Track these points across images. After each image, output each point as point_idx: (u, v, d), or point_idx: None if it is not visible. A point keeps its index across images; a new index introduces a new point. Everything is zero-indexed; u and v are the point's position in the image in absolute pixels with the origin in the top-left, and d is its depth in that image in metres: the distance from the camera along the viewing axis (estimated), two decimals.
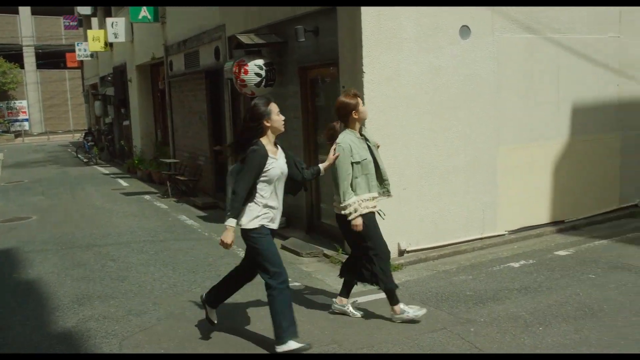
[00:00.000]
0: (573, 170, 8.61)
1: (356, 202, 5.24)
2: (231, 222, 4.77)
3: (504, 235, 8.04)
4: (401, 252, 7.34)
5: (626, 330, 5.02)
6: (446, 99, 7.42)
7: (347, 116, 5.28)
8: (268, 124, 4.80)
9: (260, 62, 8.73)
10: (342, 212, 5.27)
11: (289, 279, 6.92)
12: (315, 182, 8.67)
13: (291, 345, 4.77)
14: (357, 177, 5.27)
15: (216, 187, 12.43)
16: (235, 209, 4.75)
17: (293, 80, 8.77)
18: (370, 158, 5.36)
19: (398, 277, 6.75)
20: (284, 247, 8.26)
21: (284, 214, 9.38)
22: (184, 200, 12.59)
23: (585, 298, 5.76)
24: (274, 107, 4.82)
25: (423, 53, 7.22)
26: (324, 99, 8.52)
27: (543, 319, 5.31)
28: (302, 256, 7.83)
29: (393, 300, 5.41)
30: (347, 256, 7.47)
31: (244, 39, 8.79)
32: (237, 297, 5.81)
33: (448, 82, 7.41)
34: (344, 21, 7.22)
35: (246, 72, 8.59)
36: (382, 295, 5.58)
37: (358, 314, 5.63)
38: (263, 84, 8.75)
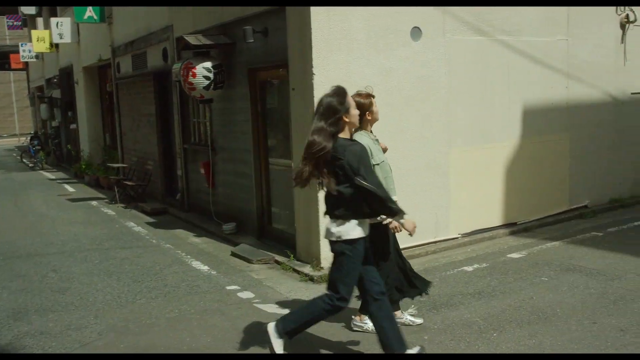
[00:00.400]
0: (524, 171, 8.62)
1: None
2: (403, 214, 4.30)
3: (457, 238, 7.98)
4: None
5: (579, 334, 4.97)
6: (398, 101, 7.31)
7: (361, 117, 4.87)
8: (347, 120, 4.69)
9: (209, 64, 8.48)
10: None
11: (238, 287, 6.77)
12: (266, 185, 8.47)
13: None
14: None
15: (165, 192, 12.10)
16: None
17: (242, 82, 8.55)
18: (386, 160, 5.14)
19: None
20: (233, 254, 8.04)
21: (233, 219, 9.24)
22: (133, 206, 12.22)
23: (538, 302, 5.71)
24: (351, 100, 4.40)
25: (374, 54, 7.10)
26: (273, 102, 8.34)
27: (497, 324, 5.22)
28: (253, 263, 7.61)
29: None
30: (300, 262, 7.34)
31: (192, 40, 8.54)
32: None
33: (400, 84, 7.31)
34: (293, 21, 7.05)
35: (194, 75, 8.34)
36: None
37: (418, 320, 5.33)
38: (212, 86, 8.50)
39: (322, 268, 6.96)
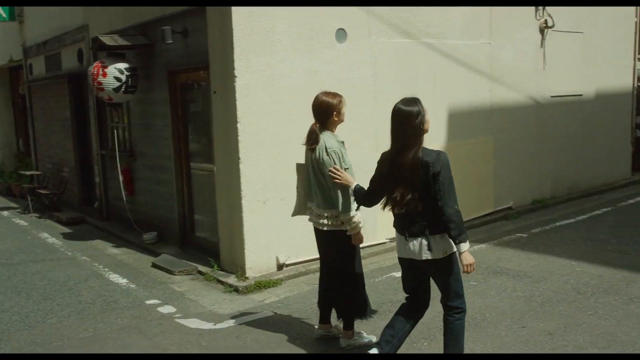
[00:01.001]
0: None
1: (357, 214, 4.60)
2: (467, 244, 3.96)
3: (385, 243, 7.88)
4: (280, 266, 6.96)
5: (509, 339, 4.93)
6: None
7: (328, 118, 4.68)
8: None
9: (122, 65, 8.06)
10: (344, 226, 4.60)
11: (158, 301, 6.41)
12: (188, 192, 8.13)
13: None
14: None
15: (83, 201, 11.51)
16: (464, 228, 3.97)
17: (162, 85, 8.18)
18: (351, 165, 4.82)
19: (277, 294, 6.42)
20: (154, 265, 7.66)
21: (154, 228, 8.84)
22: (47, 215, 11.54)
23: (468, 307, 5.56)
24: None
25: (298, 56, 6.90)
26: (194, 106, 8.01)
27: (427, 332, 5.11)
28: (175, 274, 7.26)
29: (351, 325, 4.98)
30: (224, 272, 7.04)
31: (107, 40, 8.09)
32: None
33: (324, 87, 7.02)
34: (214, 22, 6.76)
35: (105, 74, 7.89)
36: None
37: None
38: (123, 89, 8.07)
39: (247, 278, 6.70)
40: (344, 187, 4.51)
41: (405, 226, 4.02)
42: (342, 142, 4.73)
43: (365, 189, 4.35)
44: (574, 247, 7.54)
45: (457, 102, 8.61)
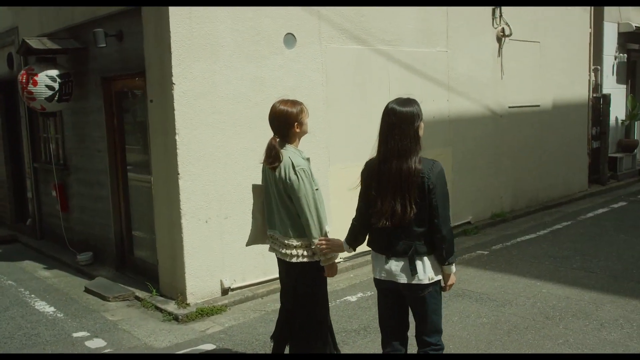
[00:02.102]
0: None
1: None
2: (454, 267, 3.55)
3: (339, 262, 7.35)
4: (225, 291, 6.37)
5: None
6: None
7: (288, 129, 4.02)
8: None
9: (54, 72, 7.36)
10: (317, 257, 3.95)
11: (87, 334, 5.75)
12: (125, 208, 7.46)
13: None
14: None
15: (16, 218, 10.66)
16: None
17: (96, 93, 7.51)
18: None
19: (221, 322, 5.83)
20: (87, 290, 6.97)
21: (90, 248, 8.13)
22: None
23: None
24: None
25: (243, 62, 6.35)
26: (132, 116, 7.37)
27: None
28: (109, 300, 6.59)
29: None
30: (163, 298, 6.42)
31: (34, 43, 7.39)
32: None
33: (272, 95, 6.55)
34: (150, 24, 6.16)
35: (35, 83, 7.18)
36: None
37: None
38: (56, 98, 7.37)
39: (188, 304, 6.10)
40: (317, 210, 3.93)
41: (386, 244, 3.45)
42: (308, 159, 4.09)
43: (350, 226, 3.74)
44: (537, 265, 7.17)
45: None
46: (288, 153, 4.00)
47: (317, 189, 4.01)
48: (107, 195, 7.56)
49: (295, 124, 4.03)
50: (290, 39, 6.72)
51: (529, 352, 4.78)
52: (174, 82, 5.87)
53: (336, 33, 7.17)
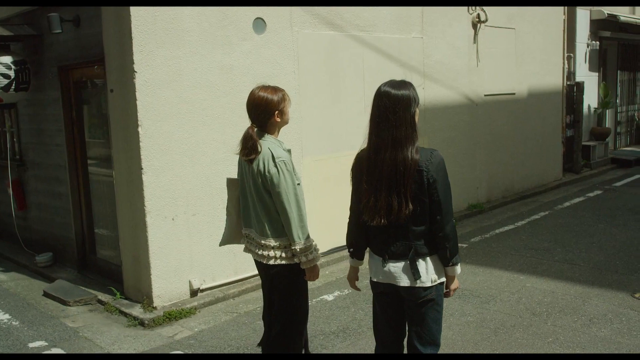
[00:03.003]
0: None
1: (314, 242, 3.65)
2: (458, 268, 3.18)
3: None
4: (194, 292, 6.00)
5: None
6: (241, 103, 6.15)
7: (268, 119, 3.65)
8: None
9: (8, 59, 6.87)
10: (298, 259, 3.58)
11: (44, 344, 5.33)
12: (86, 206, 7.03)
13: None
14: None
15: None
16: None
17: (53, 83, 7.04)
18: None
19: (190, 326, 5.46)
20: (46, 294, 6.53)
21: (50, 248, 7.67)
22: None
23: None
24: None
25: (210, 49, 5.96)
26: (91, 107, 6.92)
27: None
28: (70, 305, 6.16)
29: None
30: (128, 301, 6.03)
31: None
32: None
33: (242, 84, 6.22)
34: (109, 8, 5.72)
35: None
36: None
37: None
38: (13, 87, 6.89)
39: (154, 308, 5.71)
40: (299, 208, 3.57)
41: (383, 245, 3.10)
42: (289, 151, 3.73)
43: (347, 231, 3.34)
44: (519, 257, 6.94)
45: None
46: (267, 144, 3.63)
47: (298, 184, 3.65)
48: (66, 192, 7.11)
49: (276, 112, 3.67)
50: (259, 24, 6.35)
51: (519, 352, 4.52)
52: (135, 70, 5.45)
53: (308, 18, 6.82)
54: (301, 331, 3.85)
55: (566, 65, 11.92)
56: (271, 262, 3.65)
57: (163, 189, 5.70)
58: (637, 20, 14.46)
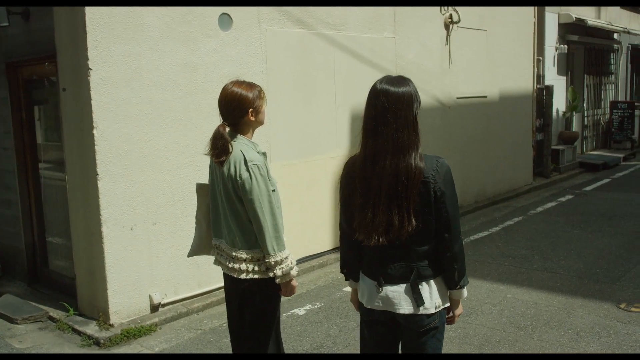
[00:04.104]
0: None
1: (291, 255, 3.29)
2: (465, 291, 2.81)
3: None
4: (154, 307, 5.56)
5: None
6: (205, 104, 5.81)
7: (241, 117, 3.30)
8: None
9: None
10: (272, 273, 3.21)
11: None
12: (38, 214, 6.52)
13: None
14: None
15: None
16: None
17: (1, 82, 6.52)
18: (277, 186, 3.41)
19: (150, 345, 5.04)
20: None
21: None
22: None
23: None
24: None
25: (173, 45, 5.55)
26: (43, 107, 6.42)
27: None
28: (18, 323, 5.66)
29: None
30: (82, 318, 5.56)
31: None
32: None
33: (207, 84, 5.82)
34: None
35: None
36: None
37: None
38: None
39: (111, 325, 5.26)
40: (273, 216, 3.20)
41: (379, 267, 2.67)
42: (264, 153, 3.39)
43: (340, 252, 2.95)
44: (497, 266, 6.67)
45: (360, 103, 7.46)
46: (239, 145, 3.26)
47: (274, 190, 3.29)
48: (15, 200, 6.59)
49: (250, 110, 3.31)
50: (225, 20, 5.95)
51: None
52: (90, 67, 5.01)
53: (277, 15, 6.45)
54: (278, 348, 3.48)
55: (536, 69, 11.79)
56: (242, 276, 3.27)
57: (120, 196, 5.25)
58: (604, 24, 14.47)
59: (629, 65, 17.67)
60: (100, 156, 5.10)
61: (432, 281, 2.65)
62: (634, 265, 6.57)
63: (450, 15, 8.93)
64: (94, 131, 5.06)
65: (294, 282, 3.33)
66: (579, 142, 14.44)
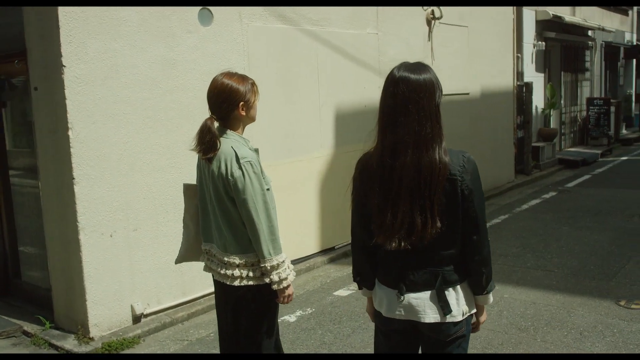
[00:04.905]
0: (339, 187, 7.30)
1: (287, 259, 3.04)
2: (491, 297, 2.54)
3: None
4: (137, 318, 5.26)
5: None
6: (186, 103, 5.54)
7: (230, 111, 3.06)
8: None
9: None
10: (268, 279, 2.96)
11: None
12: (9, 222, 6.17)
13: None
14: None
15: None
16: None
17: None
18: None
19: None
20: None
21: None
22: None
23: None
24: None
25: (151, 41, 5.26)
26: (12, 109, 6.07)
27: None
28: None
29: None
30: (59, 332, 5.23)
31: None
32: None
33: (187, 81, 5.55)
34: None
35: None
36: None
37: None
38: None
39: (91, 339, 4.95)
40: (269, 218, 2.95)
41: (399, 273, 2.41)
42: (257, 150, 3.14)
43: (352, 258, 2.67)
44: None
45: (344, 101, 7.34)
46: (230, 141, 3.01)
47: (268, 189, 3.04)
48: None
49: (241, 104, 3.06)
50: (206, 15, 5.69)
51: None
52: (64, 64, 4.70)
53: (259, 10, 6.20)
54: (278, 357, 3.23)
55: (515, 66, 11.71)
56: (236, 282, 3.02)
57: (99, 201, 4.95)
58: (580, 22, 14.49)
59: (603, 62, 17.76)
60: (77, 159, 4.80)
61: (458, 287, 2.41)
62: (627, 261, 6.45)
63: (432, 11, 8.76)
64: (69, 132, 4.75)
65: (291, 289, 3.08)
66: (557, 138, 14.42)
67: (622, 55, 19.65)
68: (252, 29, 6.14)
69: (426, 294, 2.38)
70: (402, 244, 2.30)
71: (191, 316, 5.50)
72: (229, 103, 3.03)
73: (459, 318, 2.40)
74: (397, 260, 2.40)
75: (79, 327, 5.05)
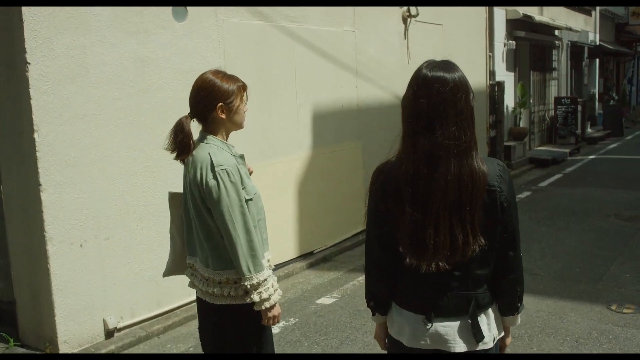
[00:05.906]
0: (317, 189, 7.09)
1: (272, 277, 2.77)
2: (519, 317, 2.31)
3: None
4: (110, 333, 4.93)
5: None
6: (160, 103, 5.23)
7: (208, 111, 2.78)
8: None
9: None
10: (250, 298, 2.67)
11: None
12: None
13: None
14: None
15: None
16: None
17: None
18: (259, 192, 2.90)
19: None
20: None
21: None
22: None
23: None
24: None
25: (123, 37, 4.94)
26: None
27: None
28: None
29: None
30: (26, 349, 4.88)
31: None
32: None
33: (161, 80, 5.23)
34: None
35: None
36: None
37: None
38: None
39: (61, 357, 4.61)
40: (247, 231, 2.67)
41: (428, 297, 2.14)
42: (242, 156, 2.89)
43: (365, 279, 2.38)
44: None
45: (321, 100, 7.10)
46: (208, 147, 2.74)
47: (250, 199, 2.76)
48: None
49: (220, 105, 2.78)
50: (180, 11, 5.38)
51: None
52: (28, 61, 4.35)
53: (235, 5, 5.92)
54: None
55: (487, 65, 11.64)
56: (216, 301, 2.75)
57: (67, 209, 4.61)
58: (549, 21, 14.54)
59: (569, 62, 17.91)
60: (43, 164, 4.45)
61: (489, 310, 2.18)
62: (611, 263, 6.37)
63: (409, 8, 8.58)
64: (35, 135, 4.41)
65: (276, 310, 2.77)
66: (527, 138, 14.44)
67: (586, 54, 19.87)
68: (228, 25, 5.85)
69: (456, 322, 2.12)
70: (441, 264, 2.05)
71: (167, 329, 5.19)
72: (206, 101, 2.75)
73: (491, 344, 2.16)
74: (425, 283, 2.13)
75: (47, 344, 4.70)
